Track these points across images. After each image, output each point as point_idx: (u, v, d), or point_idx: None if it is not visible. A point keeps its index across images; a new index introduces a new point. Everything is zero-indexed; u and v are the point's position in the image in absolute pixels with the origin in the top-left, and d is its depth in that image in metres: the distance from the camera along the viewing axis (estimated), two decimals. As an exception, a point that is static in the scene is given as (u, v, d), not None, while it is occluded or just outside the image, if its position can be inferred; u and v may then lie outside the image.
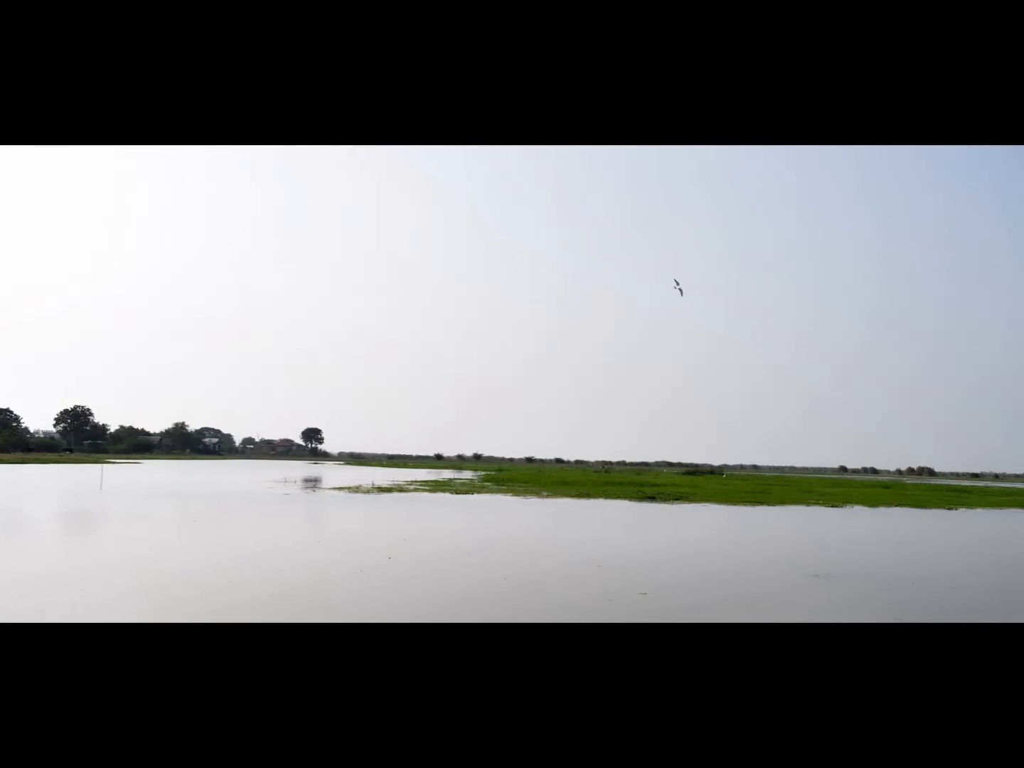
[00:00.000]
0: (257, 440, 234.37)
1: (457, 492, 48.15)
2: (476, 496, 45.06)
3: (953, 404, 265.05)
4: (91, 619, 10.78)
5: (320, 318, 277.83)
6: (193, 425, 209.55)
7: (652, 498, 46.01)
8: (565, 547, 22.00)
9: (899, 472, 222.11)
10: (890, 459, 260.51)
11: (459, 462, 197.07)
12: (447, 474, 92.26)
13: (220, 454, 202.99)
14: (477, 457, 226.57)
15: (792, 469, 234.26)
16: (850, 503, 46.52)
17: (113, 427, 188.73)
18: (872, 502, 47.66)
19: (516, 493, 48.46)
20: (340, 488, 50.75)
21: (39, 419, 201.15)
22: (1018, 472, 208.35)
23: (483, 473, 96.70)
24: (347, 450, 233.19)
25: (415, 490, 49.30)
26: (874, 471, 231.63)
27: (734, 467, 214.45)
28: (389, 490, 48.46)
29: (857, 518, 36.92)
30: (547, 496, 46.33)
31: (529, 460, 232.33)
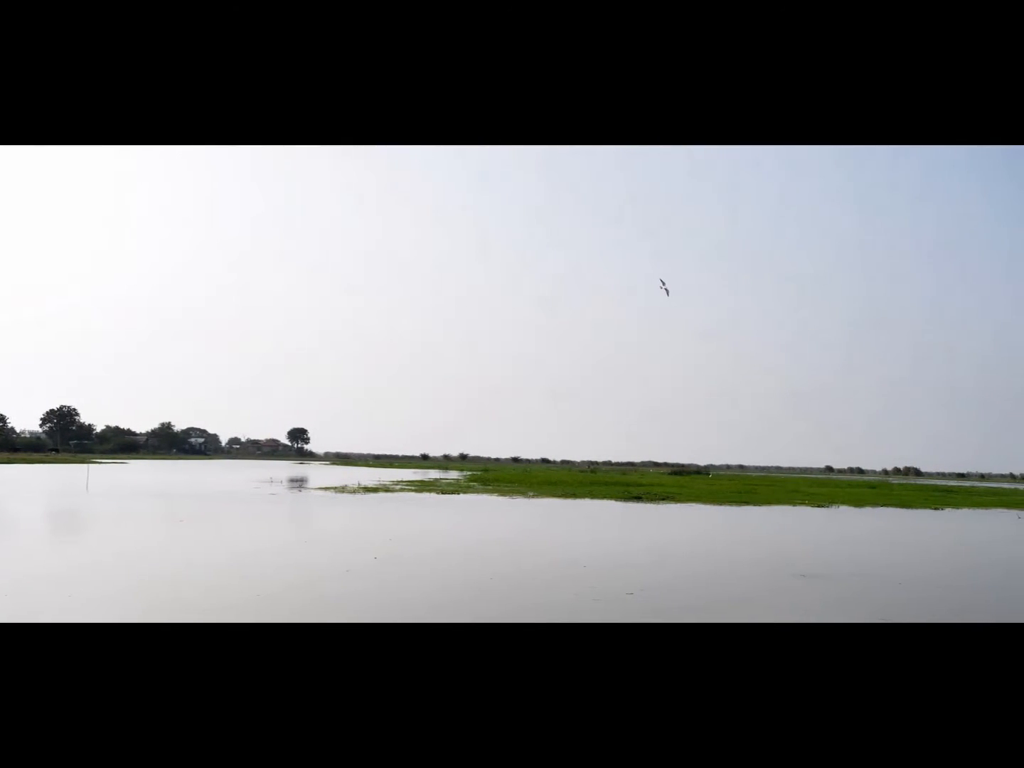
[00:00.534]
0: (243, 440, 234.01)
1: (443, 492, 48.14)
2: (462, 496, 45.06)
3: (939, 404, 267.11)
4: (77, 619, 10.71)
5: (317, 318, 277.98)
6: (179, 425, 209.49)
7: (638, 498, 46.12)
8: (551, 547, 22.00)
9: (885, 472, 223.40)
10: (876, 459, 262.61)
11: (445, 462, 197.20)
12: (433, 474, 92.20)
13: (206, 454, 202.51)
14: (463, 457, 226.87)
15: (778, 469, 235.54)
16: (836, 503, 46.74)
17: (99, 427, 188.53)
18: (858, 502, 47.89)
19: (502, 493, 48.50)
20: (326, 488, 50.67)
21: (25, 419, 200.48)
22: (1004, 472, 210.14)
23: (469, 473, 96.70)
24: (333, 450, 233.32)
25: (401, 490, 49.27)
26: (860, 471, 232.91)
27: (720, 467, 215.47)
28: (375, 490, 48.44)
29: (843, 518, 37.06)
30: (533, 496, 46.38)
31: (515, 460, 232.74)
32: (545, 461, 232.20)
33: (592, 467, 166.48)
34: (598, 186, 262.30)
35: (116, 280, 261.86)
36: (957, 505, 49.03)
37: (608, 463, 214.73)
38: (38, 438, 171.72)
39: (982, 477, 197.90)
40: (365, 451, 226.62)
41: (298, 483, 59.95)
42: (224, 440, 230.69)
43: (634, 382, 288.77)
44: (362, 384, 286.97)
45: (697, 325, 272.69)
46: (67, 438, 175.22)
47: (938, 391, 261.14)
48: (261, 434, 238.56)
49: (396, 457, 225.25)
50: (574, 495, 48.11)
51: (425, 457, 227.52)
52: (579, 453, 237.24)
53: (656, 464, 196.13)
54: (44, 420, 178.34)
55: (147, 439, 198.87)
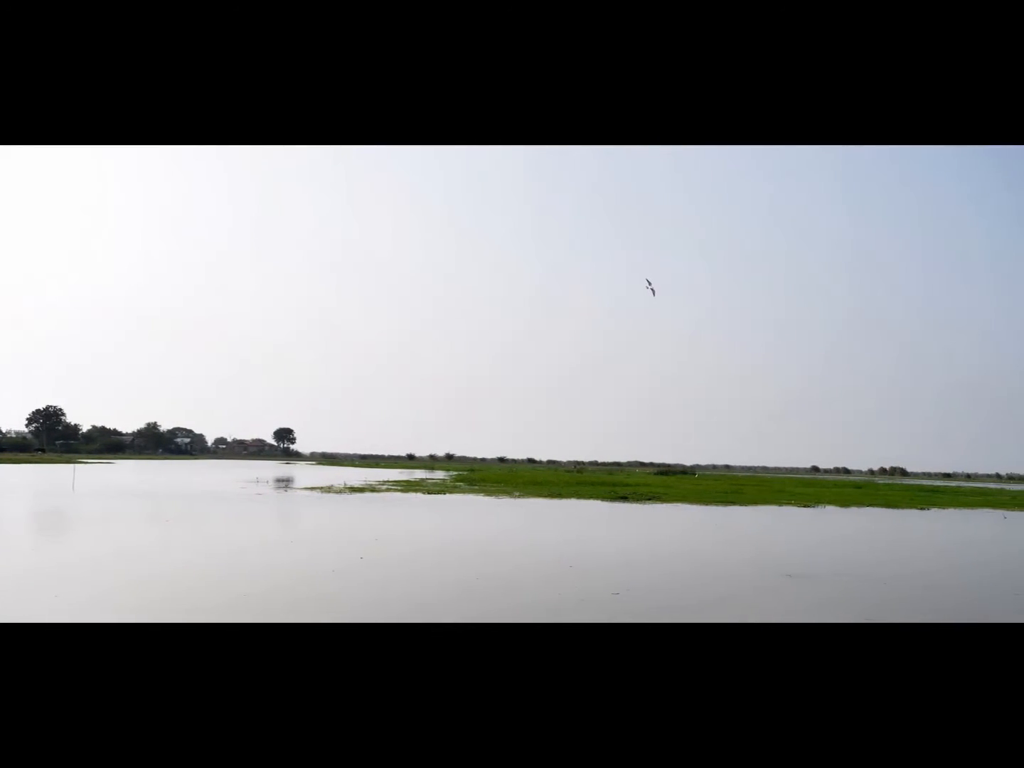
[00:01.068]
0: (229, 440, 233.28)
1: (429, 492, 48.10)
2: (448, 496, 45.03)
3: (926, 404, 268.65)
4: (64, 620, 10.65)
5: (295, 318, 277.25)
6: (165, 425, 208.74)
7: (624, 498, 46.18)
8: (537, 547, 21.99)
9: (871, 472, 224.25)
10: (862, 459, 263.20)
11: (431, 462, 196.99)
12: (419, 474, 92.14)
13: (192, 454, 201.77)
14: (449, 457, 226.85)
15: (764, 469, 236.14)
16: (822, 503, 46.89)
17: (85, 427, 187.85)
18: (844, 502, 48.05)
19: (488, 493, 48.51)
20: (312, 488, 50.57)
21: (11, 419, 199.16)
22: (990, 472, 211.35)
23: (455, 473, 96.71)
24: (319, 450, 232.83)
25: (387, 490, 49.21)
26: (846, 471, 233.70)
27: (706, 467, 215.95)
28: (361, 490, 48.36)
29: (829, 518, 37.19)
30: (519, 496, 46.38)
31: (501, 460, 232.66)
32: (531, 461, 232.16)
33: (578, 467, 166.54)
34: (583, 185, 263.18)
35: (92, 280, 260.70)
36: (943, 505, 49.22)
37: (594, 463, 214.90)
38: (24, 438, 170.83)
39: (968, 477, 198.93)
40: (351, 451, 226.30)
41: (284, 483, 59.79)
42: (210, 440, 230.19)
43: (620, 382, 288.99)
44: (348, 384, 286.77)
45: (684, 325, 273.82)
46: (53, 438, 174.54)
47: (925, 391, 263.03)
48: (247, 434, 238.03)
49: (382, 457, 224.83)
50: (560, 495, 48.10)
51: (411, 457, 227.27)
52: (565, 453, 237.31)
53: (642, 464, 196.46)
54: (30, 420, 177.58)
55: (133, 439, 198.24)
